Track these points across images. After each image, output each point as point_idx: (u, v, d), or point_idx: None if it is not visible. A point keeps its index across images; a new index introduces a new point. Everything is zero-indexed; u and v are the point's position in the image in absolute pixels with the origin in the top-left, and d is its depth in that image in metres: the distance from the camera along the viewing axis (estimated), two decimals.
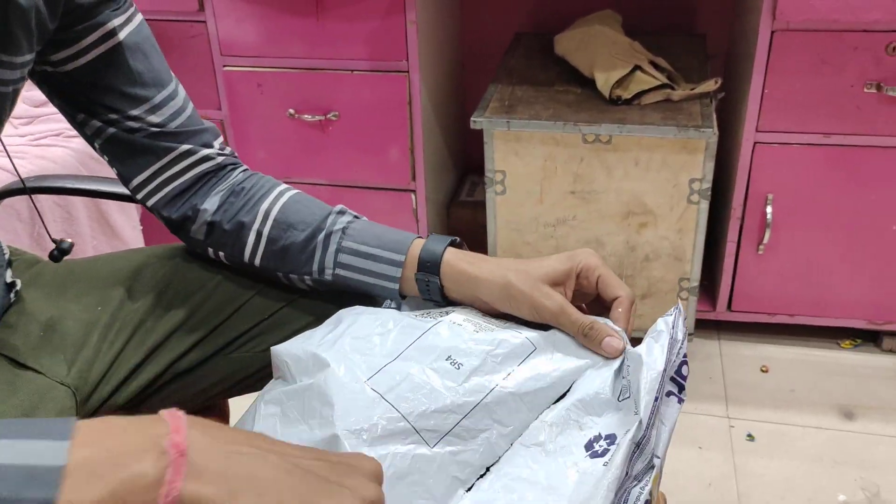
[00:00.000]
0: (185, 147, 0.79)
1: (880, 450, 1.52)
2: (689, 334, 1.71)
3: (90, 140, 0.80)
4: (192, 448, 0.42)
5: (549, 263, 0.71)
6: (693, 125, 1.48)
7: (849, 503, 1.39)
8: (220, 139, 0.84)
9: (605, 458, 0.61)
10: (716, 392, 1.68)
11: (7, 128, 1.55)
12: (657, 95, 1.57)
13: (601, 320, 0.69)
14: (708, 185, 1.54)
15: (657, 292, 1.68)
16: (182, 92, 0.80)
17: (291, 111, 1.76)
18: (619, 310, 0.70)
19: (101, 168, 1.53)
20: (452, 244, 0.75)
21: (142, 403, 0.83)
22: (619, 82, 1.57)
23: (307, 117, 1.75)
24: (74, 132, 1.52)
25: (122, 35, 0.74)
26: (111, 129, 0.77)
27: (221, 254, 0.83)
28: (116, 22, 0.74)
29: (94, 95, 0.75)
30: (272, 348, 0.71)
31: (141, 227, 1.68)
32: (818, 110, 1.54)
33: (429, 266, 0.74)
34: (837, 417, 1.60)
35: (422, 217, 1.84)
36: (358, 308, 0.74)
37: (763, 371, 1.74)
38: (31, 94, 1.59)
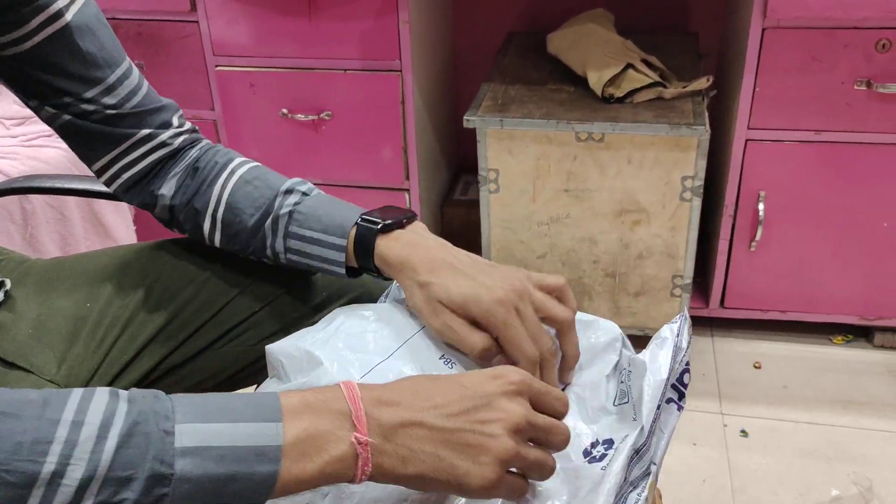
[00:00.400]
0: (144, 132, 0.78)
1: (872, 445, 1.53)
2: None
3: (49, 124, 0.79)
4: (372, 433, 0.51)
5: (447, 286, 0.68)
6: (685, 123, 1.49)
7: (842, 497, 1.40)
8: (180, 114, 0.82)
9: (603, 463, 0.62)
10: (709, 389, 1.69)
11: None
12: (649, 93, 1.58)
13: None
14: (700, 182, 1.54)
15: (650, 290, 1.68)
16: (136, 70, 0.79)
17: (284, 111, 1.76)
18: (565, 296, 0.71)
19: None
20: (385, 228, 0.73)
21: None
22: (612, 80, 1.58)
23: (300, 117, 1.75)
24: None
25: (68, 16, 0.72)
26: (66, 116, 0.76)
27: (188, 232, 0.83)
28: (62, 3, 0.72)
29: (45, 79, 0.73)
30: (267, 347, 0.71)
31: (134, 227, 1.67)
32: (809, 107, 1.55)
33: (364, 255, 0.73)
34: (830, 413, 1.61)
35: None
36: (354, 305, 0.74)
37: (756, 367, 1.75)
38: None
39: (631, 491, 0.64)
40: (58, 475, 0.45)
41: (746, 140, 1.61)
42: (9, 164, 1.40)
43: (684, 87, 1.59)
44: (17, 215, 1.41)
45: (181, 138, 0.81)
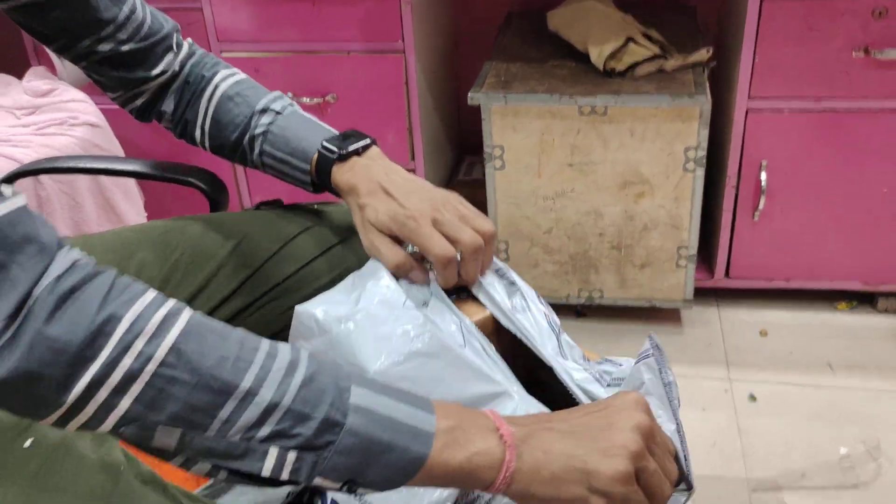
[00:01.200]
0: (149, 73, 0.85)
1: (879, 405, 1.56)
2: (688, 301, 1.74)
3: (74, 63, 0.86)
4: (515, 432, 0.54)
5: (383, 211, 0.76)
6: (686, 93, 1.51)
7: (850, 456, 1.43)
8: (178, 31, 0.88)
9: None
10: (716, 357, 1.71)
11: (9, 118, 1.57)
12: (651, 66, 1.60)
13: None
14: (703, 152, 1.57)
15: (656, 261, 1.71)
16: (137, 1, 0.84)
17: (289, 95, 1.77)
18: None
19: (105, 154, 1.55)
20: (341, 157, 0.80)
21: None
22: (613, 55, 1.60)
23: (305, 100, 1.77)
24: (78, 120, 1.54)
25: None
26: (84, 61, 0.83)
27: (191, 143, 0.92)
28: None
29: (64, 24, 0.79)
30: (297, 308, 0.74)
31: (146, 214, 1.70)
32: (808, 76, 1.57)
33: (323, 179, 0.82)
34: (836, 376, 1.64)
35: None
36: (379, 274, 0.75)
37: (762, 335, 1.77)
38: (32, 85, 1.60)
39: None
40: (252, 393, 0.49)
41: (747, 110, 1.63)
42: (22, 151, 1.42)
43: (685, 60, 1.61)
44: (33, 202, 1.43)
45: (180, 60, 0.88)
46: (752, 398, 1.60)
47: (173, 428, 0.48)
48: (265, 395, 0.49)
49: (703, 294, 1.87)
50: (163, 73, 0.86)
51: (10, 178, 1.07)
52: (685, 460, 0.63)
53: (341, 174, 0.80)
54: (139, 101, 0.89)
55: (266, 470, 0.50)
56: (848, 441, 1.47)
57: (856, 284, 1.78)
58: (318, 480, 0.51)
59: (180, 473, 0.82)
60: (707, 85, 1.55)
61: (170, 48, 0.87)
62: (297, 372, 0.51)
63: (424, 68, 1.79)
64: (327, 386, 0.51)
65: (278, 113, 0.86)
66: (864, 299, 1.84)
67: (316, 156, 0.82)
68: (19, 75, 1.68)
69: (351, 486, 0.52)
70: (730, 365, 1.69)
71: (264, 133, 0.84)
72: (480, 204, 1.72)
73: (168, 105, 0.88)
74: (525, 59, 1.72)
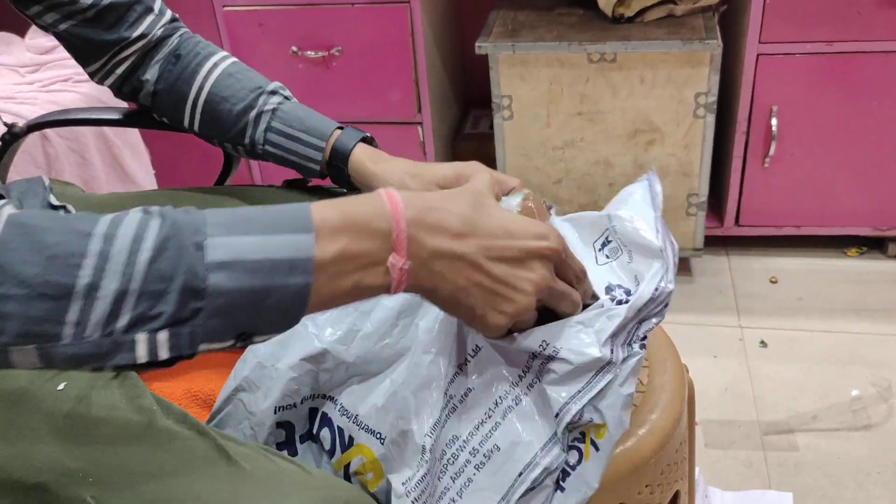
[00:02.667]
0: (128, 35, 0.84)
1: (889, 348, 1.56)
2: (698, 249, 1.74)
3: (50, 32, 0.85)
4: (411, 255, 0.51)
5: (440, 169, 0.77)
6: (697, 38, 1.49)
7: (861, 397, 1.44)
8: (159, 2, 0.87)
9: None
10: (727, 304, 1.72)
11: (13, 76, 1.56)
12: (660, 11, 1.58)
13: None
14: (714, 98, 1.55)
15: (666, 209, 1.70)
16: None
17: (294, 49, 1.76)
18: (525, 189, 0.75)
19: None
20: (365, 140, 0.83)
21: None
22: (621, 1, 1.58)
23: (310, 54, 1.76)
24: (83, 77, 1.53)
25: None
26: (60, 24, 0.82)
27: (165, 119, 0.89)
28: None
29: None
30: None
31: (154, 172, 1.69)
32: (820, 18, 1.55)
33: (340, 157, 0.82)
34: (846, 321, 1.65)
35: (429, 149, 1.85)
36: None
37: (772, 282, 1.78)
38: (35, 42, 1.59)
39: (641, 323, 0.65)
40: (93, 288, 0.45)
41: (758, 55, 1.61)
42: (28, 108, 1.41)
43: (695, 4, 1.59)
44: (41, 159, 1.42)
45: (162, 28, 0.86)
46: (763, 344, 1.61)
47: (25, 346, 0.45)
48: (109, 286, 0.45)
49: (713, 242, 1.87)
50: (143, 36, 0.85)
51: (21, 133, 1.06)
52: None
53: (362, 155, 0.81)
54: (120, 70, 0.86)
55: (141, 358, 0.46)
56: (859, 383, 1.48)
57: (866, 230, 1.77)
58: (203, 347, 0.48)
59: (207, 417, 0.85)
60: (717, 29, 1.53)
61: (150, 9, 0.85)
62: (143, 247, 0.46)
63: (430, 19, 1.77)
64: (182, 249, 0.46)
65: (287, 98, 0.86)
66: (875, 245, 1.84)
67: (336, 133, 0.82)
68: (21, 33, 1.66)
69: (243, 339, 0.49)
70: (740, 312, 1.70)
71: (274, 110, 0.84)
72: (488, 157, 1.72)
73: (150, 74, 0.86)
74: (532, 6, 1.70)
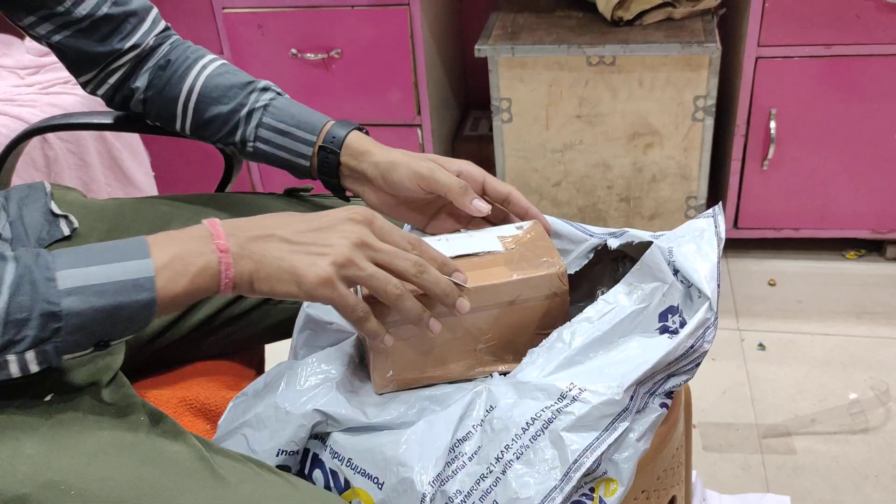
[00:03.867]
0: (120, 46, 0.84)
1: (888, 351, 1.57)
2: None
3: (44, 44, 0.86)
4: (230, 242, 0.59)
5: (432, 157, 0.78)
6: (696, 41, 1.49)
7: (859, 400, 1.44)
8: (154, 14, 0.87)
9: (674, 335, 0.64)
10: (726, 307, 1.72)
11: (13, 78, 1.56)
12: (659, 14, 1.58)
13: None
14: (712, 101, 1.56)
15: (665, 212, 1.71)
16: None
17: (294, 51, 1.76)
18: (519, 200, 0.76)
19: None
20: (359, 128, 0.82)
21: (190, 344, 0.85)
22: (621, 3, 1.58)
23: (310, 56, 1.76)
24: None
25: None
26: (54, 35, 0.83)
27: (158, 123, 0.90)
28: None
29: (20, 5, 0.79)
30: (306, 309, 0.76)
31: (153, 174, 1.69)
32: (818, 21, 1.55)
33: (332, 141, 0.81)
34: (845, 324, 1.65)
35: (428, 151, 1.85)
36: None
37: (771, 285, 1.78)
38: (35, 44, 1.59)
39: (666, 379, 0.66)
40: None
41: (757, 58, 1.61)
42: (28, 111, 1.41)
43: (693, 7, 1.59)
44: (40, 161, 1.42)
45: (154, 37, 0.87)
46: (762, 347, 1.61)
47: None
48: None
49: None
50: (136, 46, 0.85)
51: (21, 139, 1.06)
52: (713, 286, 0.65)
53: (355, 140, 0.80)
54: (112, 80, 0.87)
55: (14, 374, 0.56)
56: (857, 387, 1.48)
57: (865, 233, 1.77)
58: (67, 357, 0.57)
59: (200, 425, 0.84)
60: (716, 33, 1.54)
61: (143, 20, 0.86)
62: (2, 287, 0.54)
63: (429, 21, 1.77)
64: (36, 283, 0.54)
65: (279, 94, 0.85)
66: (873, 247, 1.84)
67: (329, 125, 0.81)
68: (21, 35, 1.66)
69: (101, 346, 0.57)
70: (739, 315, 1.70)
71: (265, 106, 0.83)
72: (488, 159, 1.72)
73: (140, 82, 0.86)
74: (532, 9, 1.70)
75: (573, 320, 0.68)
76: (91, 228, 0.86)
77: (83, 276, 0.55)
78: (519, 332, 0.69)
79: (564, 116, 1.61)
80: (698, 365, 0.67)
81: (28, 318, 0.54)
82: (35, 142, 1.40)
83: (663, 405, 0.67)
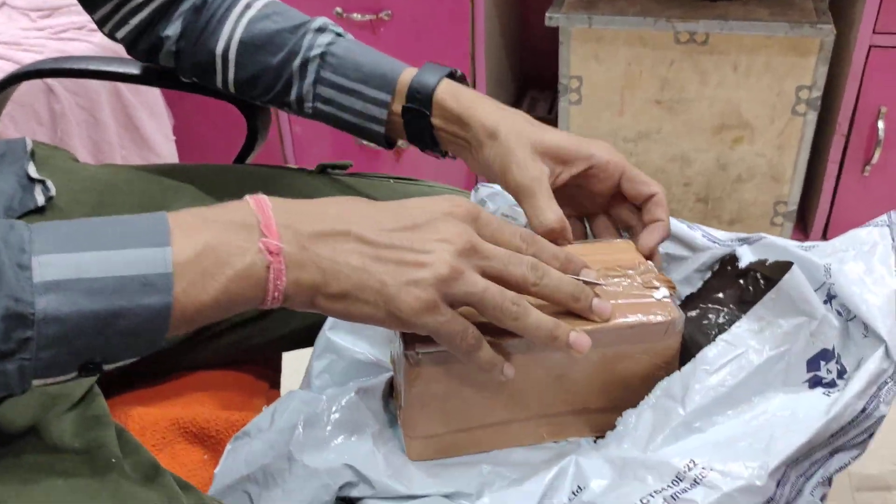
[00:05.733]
0: None
1: None
2: None
3: None
4: (285, 240, 0.43)
5: (554, 136, 0.59)
6: (808, 21, 1.29)
7: None
8: None
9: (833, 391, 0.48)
10: None
11: (23, 20, 1.41)
12: None
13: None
14: (818, 93, 1.36)
15: (747, 217, 1.51)
16: None
17: (338, 10, 1.59)
18: (659, 208, 0.58)
19: None
20: (451, 76, 0.64)
21: (189, 349, 0.70)
22: None
23: (356, 17, 1.59)
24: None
25: None
26: None
27: (195, 79, 0.73)
28: None
29: None
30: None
31: (174, 139, 1.53)
32: None
33: (418, 98, 0.63)
34: None
35: None
36: None
37: None
38: None
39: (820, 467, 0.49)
40: None
41: (870, 46, 1.40)
42: (32, 57, 1.25)
43: None
44: (45, 116, 1.27)
45: None
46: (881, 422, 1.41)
47: None
48: None
49: None
50: None
51: (10, 81, 0.89)
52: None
53: (449, 95, 0.62)
54: (135, 21, 0.70)
55: None
56: None
57: None
58: (38, 383, 0.40)
59: (196, 454, 0.68)
60: (829, 14, 1.33)
61: None
62: None
63: None
64: (1, 272, 0.38)
65: (339, 35, 0.68)
66: None
67: (407, 76, 0.63)
68: None
69: (89, 370, 0.41)
70: None
71: (323, 55, 0.66)
72: None
73: (171, 29, 0.70)
74: None
75: (682, 370, 0.51)
76: (74, 200, 0.71)
77: (71, 264, 0.39)
78: (612, 385, 0.52)
79: (642, 101, 1.42)
80: (872, 436, 0.50)
81: None
82: (39, 93, 1.24)
83: (823, 497, 0.50)
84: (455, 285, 0.44)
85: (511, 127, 0.59)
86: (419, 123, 0.63)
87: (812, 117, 1.38)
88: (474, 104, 0.61)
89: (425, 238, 0.45)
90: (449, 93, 0.62)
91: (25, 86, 1.25)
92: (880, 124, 1.45)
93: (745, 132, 1.42)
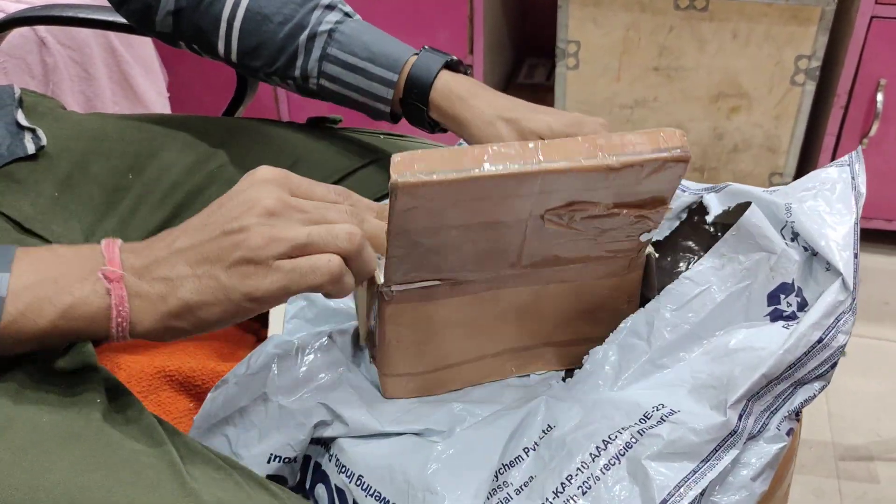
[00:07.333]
0: None
1: None
2: None
3: None
4: (126, 268, 0.44)
5: (546, 120, 0.62)
6: None
7: None
8: None
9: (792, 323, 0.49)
10: None
11: None
12: None
13: None
14: (818, 63, 1.34)
15: None
16: None
17: None
18: None
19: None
20: (450, 65, 0.66)
21: None
22: None
23: None
24: None
25: None
26: None
27: (195, 46, 0.71)
28: None
29: None
30: None
31: (168, 95, 1.51)
32: None
33: (417, 92, 0.65)
34: None
35: None
36: None
37: None
38: None
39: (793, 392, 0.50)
40: None
41: (872, 17, 1.39)
42: (14, 6, 1.23)
43: None
44: (37, 69, 1.25)
45: None
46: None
47: None
48: None
49: None
50: None
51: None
52: None
53: (447, 90, 0.64)
54: None
55: None
56: None
57: None
58: None
59: (182, 403, 0.68)
60: None
61: None
62: None
63: None
64: None
65: (348, 15, 0.68)
66: None
67: (412, 59, 0.66)
68: None
69: None
70: None
71: (331, 31, 0.66)
72: None
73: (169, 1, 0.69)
74: None
75: (646, 307, 0.52)
76: (63, 148, 0.70)
77: None
78: (577, 317, 0.53)
79: (640, 67, 1.41)
80: (834, 366, 0.52)
81: None
82: (31, 45, 1.22)
83: (790, 431, 0.50)
84: (277, 245, 0.43)
85: (506, 126, 0.61)
86: (419, 115, 0.66)
87: (811, 88, 1.37)
88: (468, 102, 0.64)
89: (233, 213, 0.44)
90: (444, 94, 0.64)
91: (17, 38, 1.23)
92: (879, 97, 1.44)
93: (743, 102, 1.40)
